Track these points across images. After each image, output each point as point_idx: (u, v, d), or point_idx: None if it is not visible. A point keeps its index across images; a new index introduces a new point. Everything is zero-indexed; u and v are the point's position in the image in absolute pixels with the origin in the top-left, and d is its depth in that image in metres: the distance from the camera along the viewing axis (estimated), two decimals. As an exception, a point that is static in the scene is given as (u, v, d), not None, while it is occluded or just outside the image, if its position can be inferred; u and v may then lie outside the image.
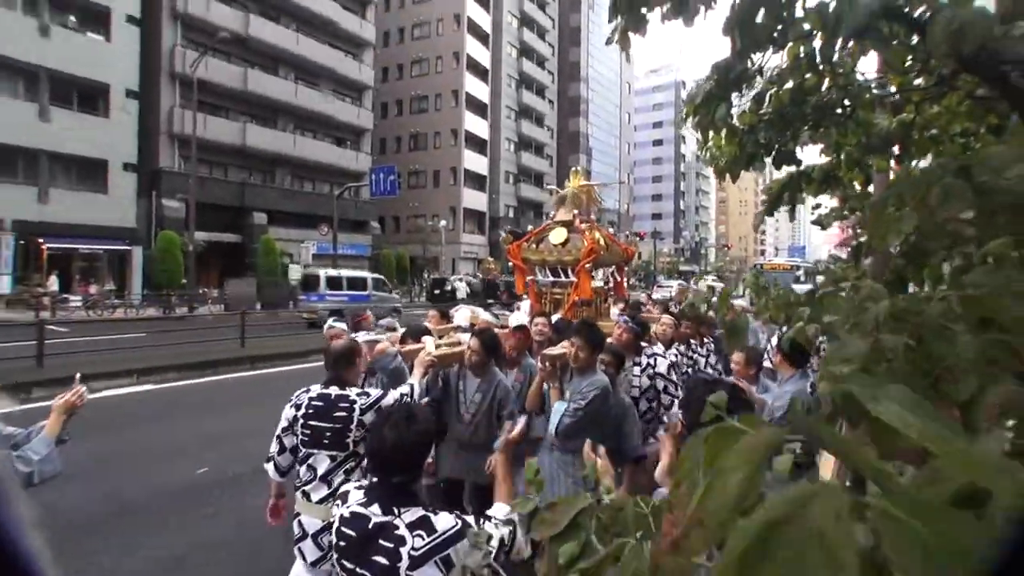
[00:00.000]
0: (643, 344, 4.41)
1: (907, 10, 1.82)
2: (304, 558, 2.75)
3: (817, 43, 2.26)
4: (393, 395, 3.01)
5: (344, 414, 2.79)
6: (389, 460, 1.80)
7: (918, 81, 2.80)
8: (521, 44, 50.90)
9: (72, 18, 23.35)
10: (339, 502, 1.88)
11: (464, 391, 3.66)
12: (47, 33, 21.92)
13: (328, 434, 2.80)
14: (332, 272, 20.17)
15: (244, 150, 30.39)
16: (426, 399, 3.45)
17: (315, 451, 2.82)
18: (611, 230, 54.99)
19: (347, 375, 2.98)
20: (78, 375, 2.51)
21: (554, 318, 4.82)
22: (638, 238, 57.50)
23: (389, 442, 1.78)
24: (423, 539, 1.67)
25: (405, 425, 1.81)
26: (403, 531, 1.68)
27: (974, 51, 1.37)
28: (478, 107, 45.86)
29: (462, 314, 5.44)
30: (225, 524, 4.59)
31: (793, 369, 3.48)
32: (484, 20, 45.90)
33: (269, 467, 2.99)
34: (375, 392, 2.99)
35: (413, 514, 1.72)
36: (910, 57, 2.53)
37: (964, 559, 0.33)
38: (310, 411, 2.85)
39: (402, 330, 4.52)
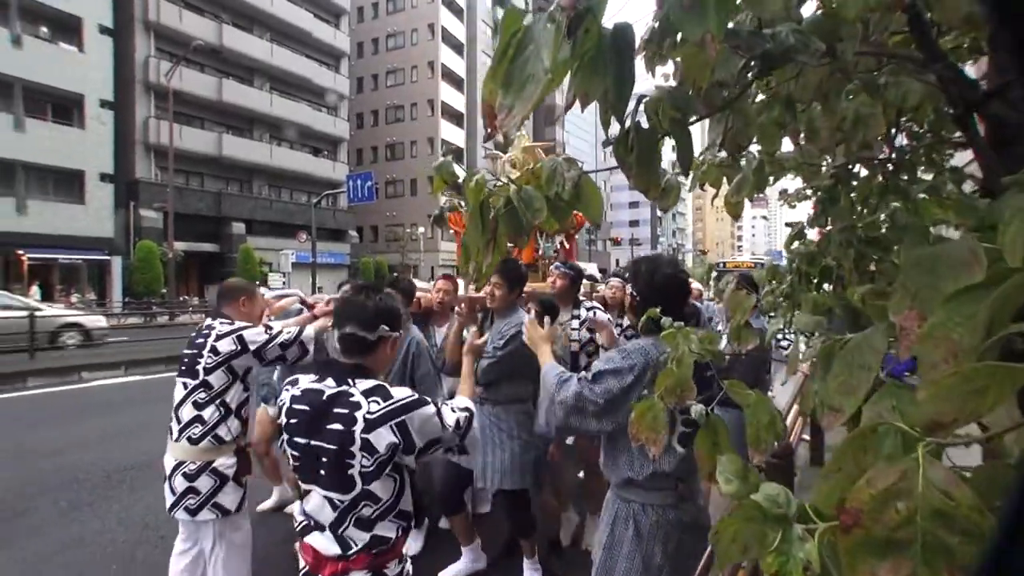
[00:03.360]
0: (581, 297, 4.06)
1: None
2: (165, 503, 2.64)
3: None
4: (266, 330, 2.78)
5: (202, 340, 2.67)
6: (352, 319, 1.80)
7: None
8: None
9: (44, 29, 23.36)
10: (288, 386, 1.79)
11: None
12: (19, 44, 21.90)
13: (186, 360, 2.68)
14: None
15: (220, 160, 30.50)
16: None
17: (179, 379, 2.70)
18: (589, 236, 55.60)
19: (226, 310, 2.84)
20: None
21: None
22: (615, 243, 58.29)
23: (370, 304, 1.79)
24: (379, 404, 1.63)
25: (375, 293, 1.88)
26: (358, 397, 1.64)
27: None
28: (453, 116, 46.32)
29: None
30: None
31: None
32: (458, 30, 46.53)
33: None
34: (240, 323, 2.76)
35: (368, 383, 1.69)
36: None
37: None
38: (187, 342, 2.77)
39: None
